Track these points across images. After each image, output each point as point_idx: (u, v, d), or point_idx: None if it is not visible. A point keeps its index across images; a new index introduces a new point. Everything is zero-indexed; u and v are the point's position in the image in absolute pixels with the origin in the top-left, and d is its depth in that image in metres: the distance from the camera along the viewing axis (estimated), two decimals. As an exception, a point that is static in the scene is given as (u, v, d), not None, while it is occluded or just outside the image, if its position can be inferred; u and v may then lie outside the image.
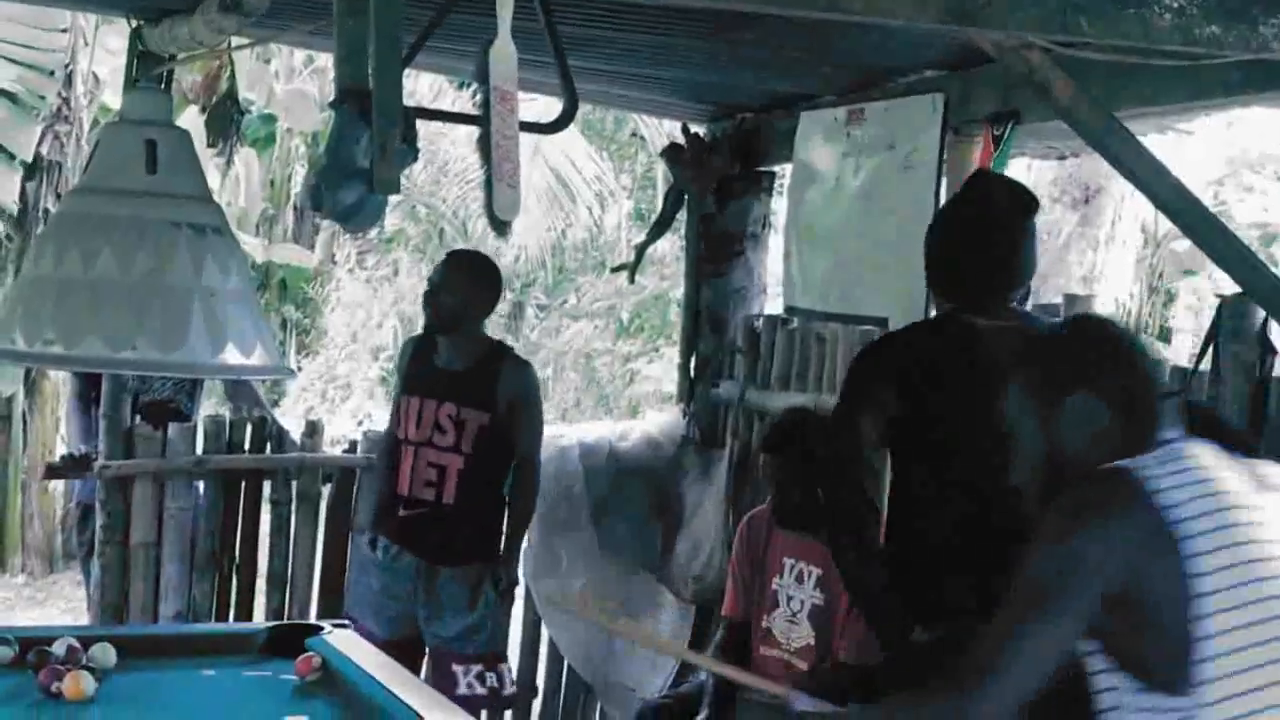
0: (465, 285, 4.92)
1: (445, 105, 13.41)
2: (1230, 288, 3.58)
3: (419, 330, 5.29)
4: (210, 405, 7.48)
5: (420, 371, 5.03)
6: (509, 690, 5.04)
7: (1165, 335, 14.17)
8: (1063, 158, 5.56)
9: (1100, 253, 8.52)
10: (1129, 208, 8.61)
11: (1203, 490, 2.11)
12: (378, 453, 5.43)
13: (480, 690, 4.88)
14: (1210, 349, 3.80)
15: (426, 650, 4.99)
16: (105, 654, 3.18)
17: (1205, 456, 2.18)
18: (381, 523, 5.04)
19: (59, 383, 8.50)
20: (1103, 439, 2.22)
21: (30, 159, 9.51)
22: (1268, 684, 2.06)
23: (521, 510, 5.07)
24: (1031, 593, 2.13)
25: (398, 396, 5.13)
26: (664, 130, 13.10)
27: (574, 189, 14.78)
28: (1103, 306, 8.00)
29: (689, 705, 4.70)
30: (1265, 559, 2.09)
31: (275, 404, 14.86)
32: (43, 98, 9.52)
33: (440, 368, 4.96)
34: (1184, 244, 12.00)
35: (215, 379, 6.21)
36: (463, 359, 4.95)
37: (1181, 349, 12.80)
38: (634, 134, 15.93)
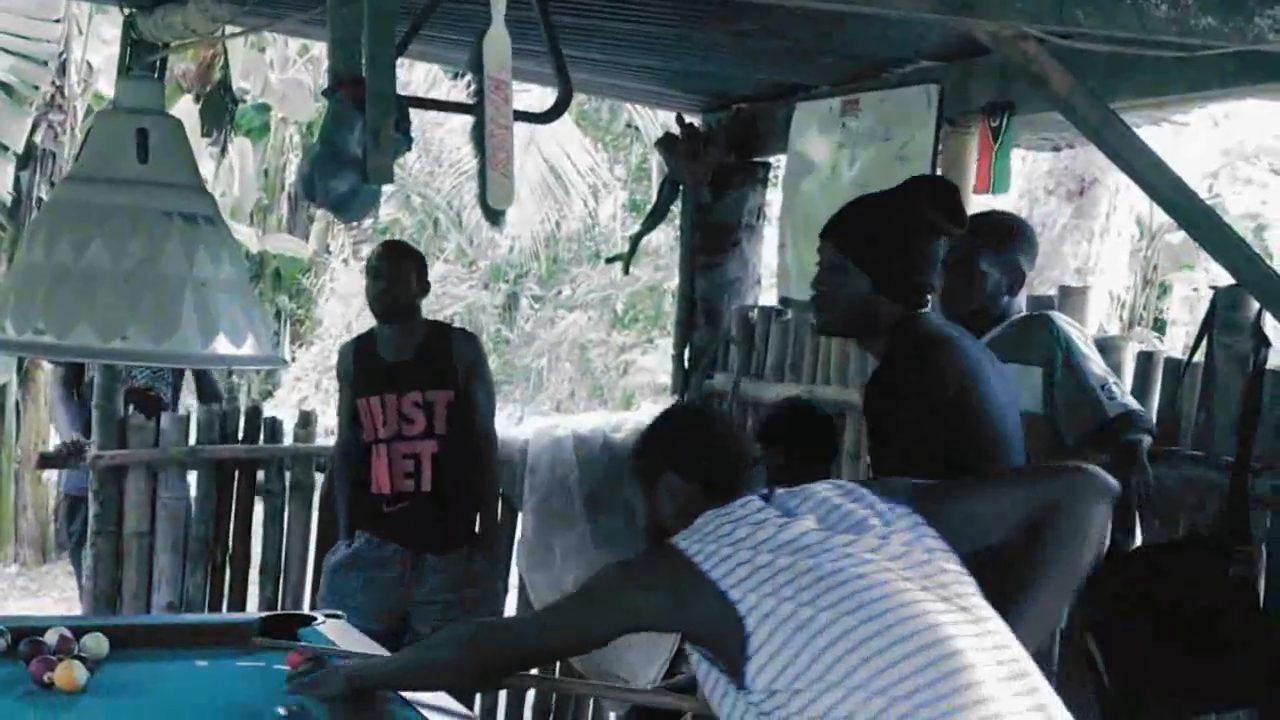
0: (413, 272, 5.00)
1: (440, 95, 13.39)
2: (1225, 280, 3.58)
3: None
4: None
5: (371, 371, 5.05)
6: None
7: (1160, 327, 14.17)
8: (1058, 149, 5.55)
9: (1095, 245, 8.50)
10: (1124, 200, 8.59)
11: (745, 542, 2.41)
12: (334, 468, 5.43)
13: None
14: (1204, 341, 3.80)
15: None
16: (98, 644, 3.17)
17: (755, 514, 2.47)
18: (361, 524, 5.04)
19: (50, 372, 8.50)
20: (687, 506, 2.58)
21: (22, 149, 9.49)
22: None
23: (488, 486, 5.15)
24: (579, 602, 2.60)
25: (350, 402, 5.12)
26: (659, 121, 13.09)
27: (567, 180, 14.76)
28: (1098, 298, 8.00)
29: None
30: (815, 582, 2.33)
31: (269, 394, 14.86)
32: (36, 88, 9.50)
33: (391, 361, 5.00)
34: (1179, 236, 12.01)
35: (206, 369, 6.20)
36: (411, 346, 5.00)
37: (1176, 341, 12.81)
38: (629, 124, 15.90)
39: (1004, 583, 2.50)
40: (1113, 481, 2.61)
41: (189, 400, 6.44)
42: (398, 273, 4.97)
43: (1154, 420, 3.92)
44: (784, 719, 2.25)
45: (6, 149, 9.39)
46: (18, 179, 9.83)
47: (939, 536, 2.46)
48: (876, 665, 2.24)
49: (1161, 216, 11.77)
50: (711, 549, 2.41)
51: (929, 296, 3.24)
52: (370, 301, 5.07)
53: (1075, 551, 2.55)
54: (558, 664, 5.26)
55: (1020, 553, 2.57)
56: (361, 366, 5.10)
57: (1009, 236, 4.03)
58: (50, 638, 3.14)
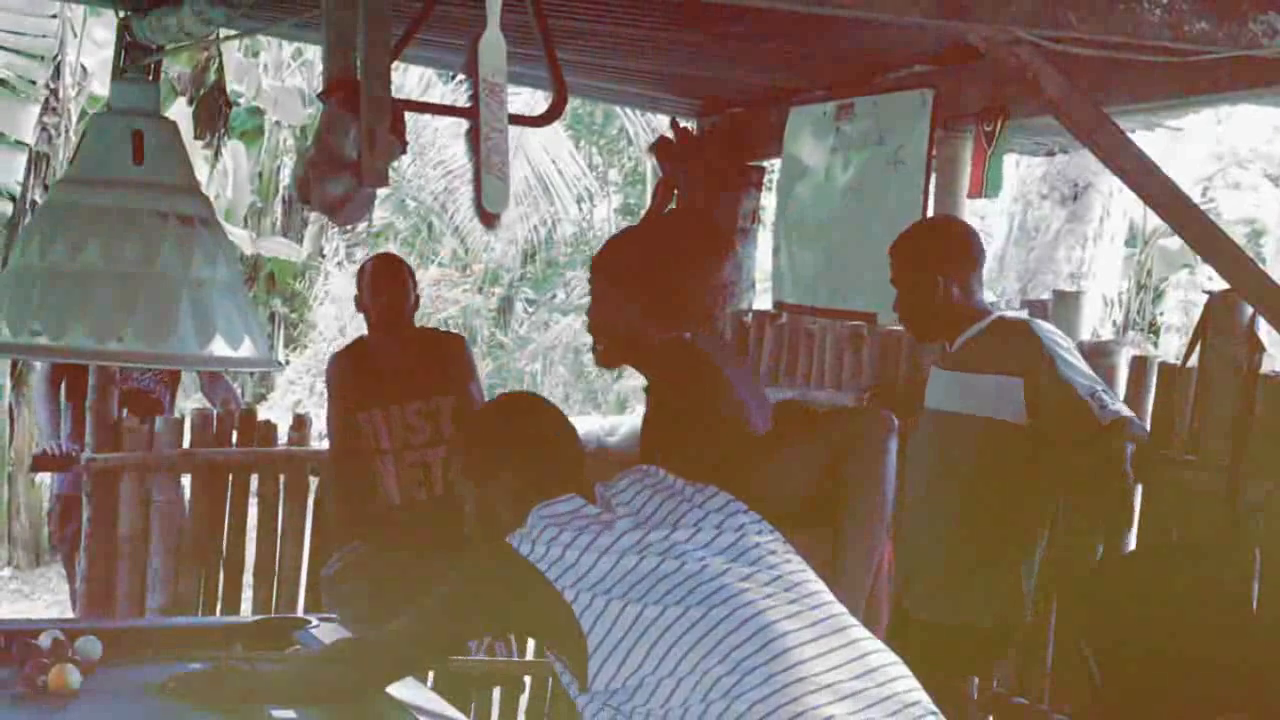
0: (408, 281, 4.98)
1: (434, 98, 13.39)
2: (1219, 282, 3.59)
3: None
4: (196, 399, 7.47)
5: (366, 383, 4.99)
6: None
7: (1155, 331, 14.19)
8: (1051, 154, 5.56)
9: (1089, 249, 8.51)
10: (1117, 204, 8.60)
11: (574, 544, 2.50)
12: (327, 479, 5.40)
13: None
14: (1198, 346, 3.81)
15: None
16: (91, 647, 3.17)
17: (578, 515, 2.57)
18: (363, 532, 5.00)
19: (38, 371, 8.50)
20: (520, 505, 2.62)
21: (31, 140, 9.49)
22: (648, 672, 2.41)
23: None
24: (426, 614, 2.71)
25: (344, 413, 5.04)
26: (651, 125, 13.10)
27: (554, 188, 14.76)
28: (1091, 302, 8.01)
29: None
30: (640, 580, 2.46)
31: (263, 397, 14.84)
32: (33, 82, 9.49)
33: (389, 371, 4.95)
34: (1175, 241, 12.03)
35: (200, 370, 6.20)
36: (407, 355, 4.94)
37: (1171, 345, 12.83)
38: (622, 129, 15.91)
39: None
40: (892, 417, 2.88)
41: (184, 403, 6.43)
42: (398, 285, 4.94)
43: (1147, 426, 3.92)
44: (629, 713, 2.39)
45: (14, 141, 9.39)
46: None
47: (747, 510, 2.62)
48: (702, 649, 2.39)
49: (1156, 221, 11.78)
50: (543, 551, 2.50)
51: (703, 320, 3.28)
52: (368, 315, 4.98)
53: (871, 487, 2.78)
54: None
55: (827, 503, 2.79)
56: (356, 379, 5.04)
57: (945, 240, 4.04)
58: (43, 641, 3.14)
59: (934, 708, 2.45)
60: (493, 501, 2.70)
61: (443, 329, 5.28)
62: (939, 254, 3.98)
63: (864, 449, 2.78)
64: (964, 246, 4.03)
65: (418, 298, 5.06)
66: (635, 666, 2.40)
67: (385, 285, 4.94)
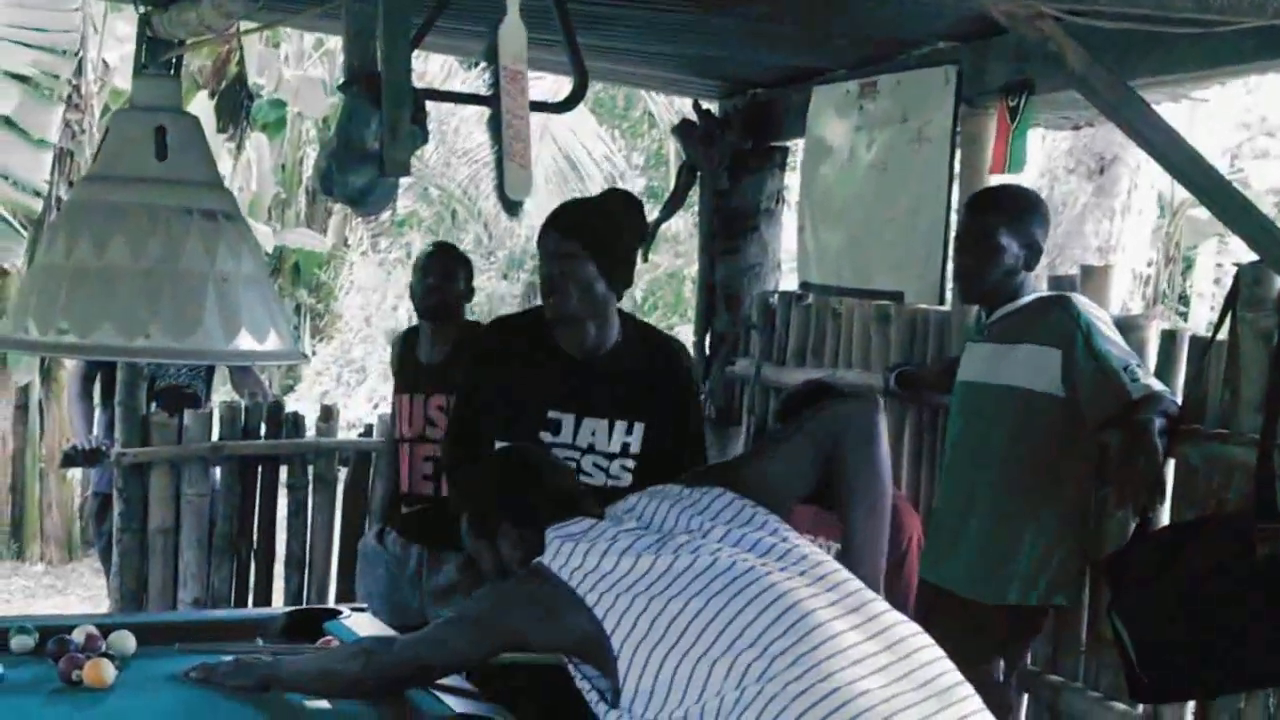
0: (461, 274, 4.98)
1: (455, 86, 13.38)
2: (1248, 256, 3.56)
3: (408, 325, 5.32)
4: (225, 391, 7.49)
5: (406, 369, 5.02)
6: None
7: (1185, 303, 14.11)
8: (1077, 127, 5.53)
9: (1116, 223, 8.45)
10: (1145, 176, 8.53)
11: (592, 552, 2.60)
12: (380, 456, 5.46)
13: None
14: (1228, 318, 3.78)
15: None
16: (124, 641, 3.18)
17: (595, 533, 2.65)
18: (389, 518, 5.04)
19: (71, 369, 8.54)
20: (527, 547, 2.73)
21: (54, 139, 9.52)
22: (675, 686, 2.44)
23: None
24: (458, 621, 2.81)
25: (394, 396, 5.12)
26: (674, 108, 13.06)
27: (582, 167, 14.73)
28: (1120, 277, 7.97)
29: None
30: (661, 573, 2.53)
31: (291, 388, 14.88)
32: (57, 77, 9.53)
33: (423, 362, 4.96)
34: (1203, 211, 11.94)
35: (229, 365, 6.22)
36: (443, 349, 4.92)
37: (1201, 316, 12.76)
38: (646, 111, 15.88)
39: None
40: (876, 398, 3.00)
41: (212, 396, 6.45)
42: (446, 273, 4.93)
43: (1178, 400, 3.90)
44: (662, 704, 2.44)
45: (39, 140, 9.42)
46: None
47: (754, 505, 2.70)
48: (729, 636, 2.42)
49: (1184, 191, 11.71)
50: (563, 561, 2.60)
51: None
52: (415, 299, 5.02)
53: (867, 470, 2.80)
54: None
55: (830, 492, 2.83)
56: (402, 362, 5.07)
57: (1025, 208, 4.02)
58: (78, 636, 3.16)
59: (962, 678, 2.46)
60: (504, 551, 2.82)
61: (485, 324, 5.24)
62: (1025, 219, 3.98)
63: (850, 434, 2.81)
64: (1045, 219, 4.05)
65: (470, 290, 5.04)
66: (660, 661, 2.44)
67: (432, 270, 4.96)
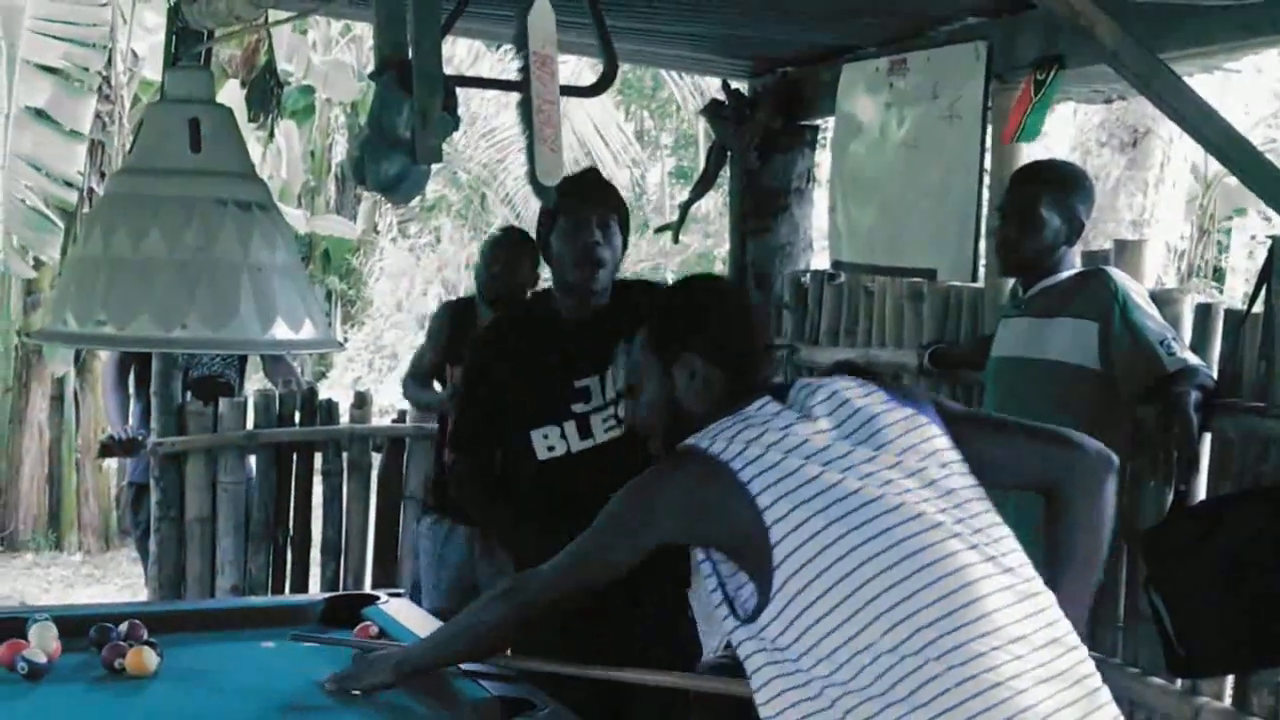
0: (526, 261, 4.96)
1: (483, 70, 13.39)
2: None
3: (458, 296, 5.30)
4: (256, 380, 7.53)
5: (453, 344, 5.02)
6: None
7: (1219, 276, 14.03)
8: (1109, 101, 5.49)
9: (1150, 196, 8.40)
10: (1178, 149, 8.47)
11: (771, 445, 2.32)
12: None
13: None
14: (1263, 291, 3.76)
15: None
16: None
17: (773, 417, 2.39)
18: (433, 495, 5.08)
19: (106, 360, 8.61)
20: (705, 390, 2.50)
21: (86, 130, 9.58)
22: (835, 610, 2.22)
23: None
24: (603, 525, 2.49)
25: (432, 361, 5.16)
26: (701, 89, 13.04)
27: (598, 158, 14.73)
28: (1154, 250, 7.92)
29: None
30: (841, 497, 2.27)
31: (323, 375, 14.93)
32: (87, 69, 9.58)
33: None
34: (1236, 180, 11.85)
35: (265, 354, 6.25)
36: None
37: (1236, 289, 12.68)
38: (672, 94, 15.86)
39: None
40: (1112, 455, 2.55)
41: (246, 385, 6.49)
42: (510, 261, 4.96)
43: (1214, 373, 3.88)
44: (797, 637, 2.23)
45: (72, 132, 9.48)
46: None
47: (955, 449, 2.41)
48: (896, 594, 2.20)
49: (1217, 165, 11.63)
50: (738, 450, 2.32)
51: None
52: (479, 283, 5.06)
53: (1097, 536, 2.54)
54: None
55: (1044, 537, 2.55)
56: (454, 332, 5.08)
57: (1070, 183, 4.02)
58: (119, 624, 3.18)
59: (1101, 679, 2.30)
60: (677, 383, 2.52)
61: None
62: (1068, 193, 3.97)
63: (1083, 478, 2.51)
64: (1089, 195, 4.06)
65: (535, 277, 5.04)
66: (820, 593, 2.21)
67: (495, 262, 4.99)
